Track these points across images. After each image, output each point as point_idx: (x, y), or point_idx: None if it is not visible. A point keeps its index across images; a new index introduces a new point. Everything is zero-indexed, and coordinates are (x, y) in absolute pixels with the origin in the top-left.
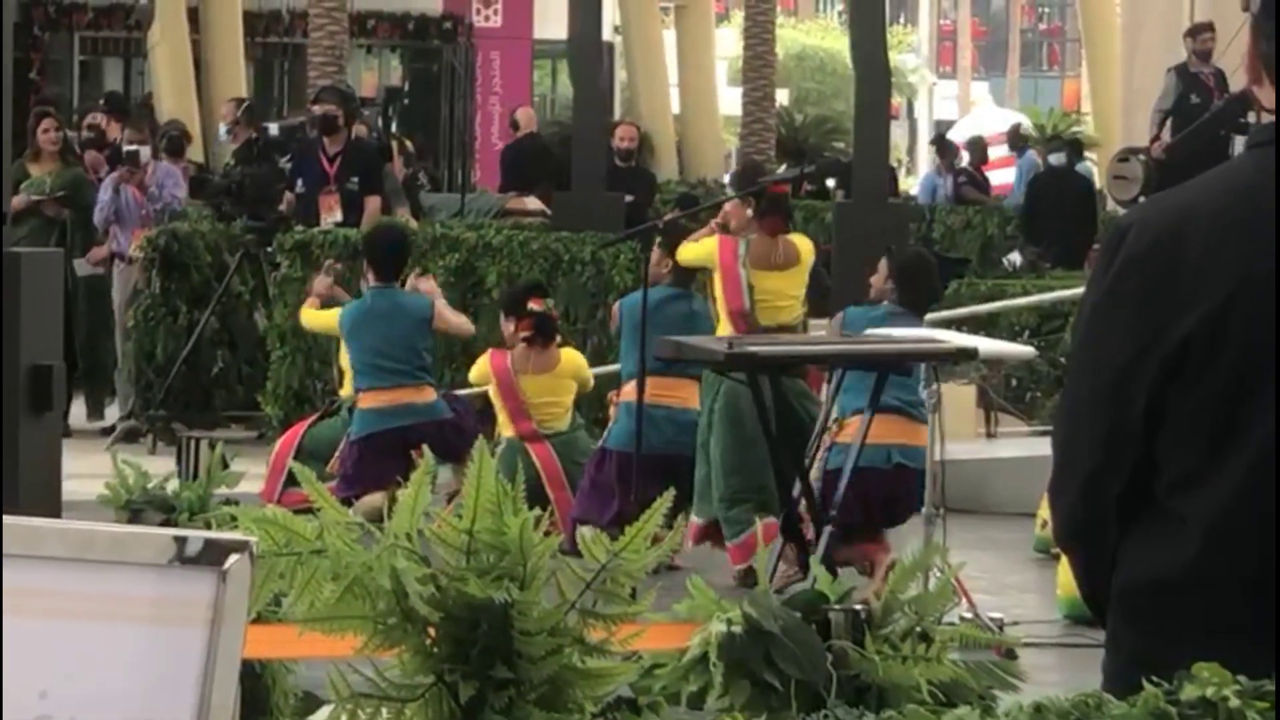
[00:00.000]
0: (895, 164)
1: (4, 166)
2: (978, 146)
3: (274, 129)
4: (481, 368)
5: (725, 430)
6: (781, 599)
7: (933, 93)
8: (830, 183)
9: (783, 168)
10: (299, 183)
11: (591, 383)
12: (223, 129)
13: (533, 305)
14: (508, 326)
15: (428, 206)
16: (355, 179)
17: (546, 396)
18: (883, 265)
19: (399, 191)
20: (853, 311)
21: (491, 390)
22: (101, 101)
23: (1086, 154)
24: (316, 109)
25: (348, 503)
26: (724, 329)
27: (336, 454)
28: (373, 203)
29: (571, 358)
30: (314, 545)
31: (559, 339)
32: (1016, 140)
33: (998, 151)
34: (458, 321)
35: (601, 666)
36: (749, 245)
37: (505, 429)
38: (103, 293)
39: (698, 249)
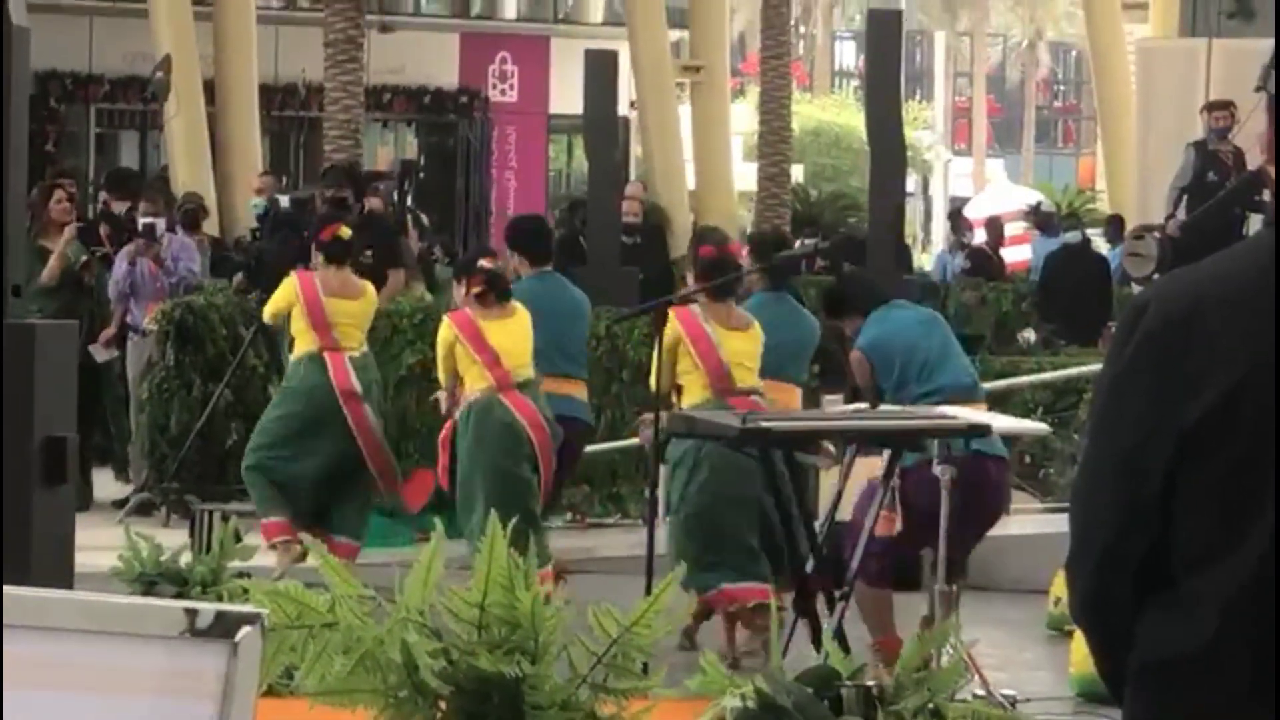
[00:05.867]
0: (910, 240)
1: (10, 234)
2: (994, 227)
3: (285, 201)
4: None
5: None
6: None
7: (948, 169)
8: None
9: (798, 243)
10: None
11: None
12: (258, 202)
13: (483, 263)
14: (459, 290)
15: (443, 280)
16: (369, 253)
17: (513, 344)
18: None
19: (414, 265)
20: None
21: (458, 351)
22: (102, 179)
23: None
24: (326, 193)
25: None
26: (697, 396)
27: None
28: (395, 275)
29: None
30: (325, 618)
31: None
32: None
33: (1013, 229)
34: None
35: None
36: (704, 309)
37: (477, 383)
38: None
39: (670, 342)
